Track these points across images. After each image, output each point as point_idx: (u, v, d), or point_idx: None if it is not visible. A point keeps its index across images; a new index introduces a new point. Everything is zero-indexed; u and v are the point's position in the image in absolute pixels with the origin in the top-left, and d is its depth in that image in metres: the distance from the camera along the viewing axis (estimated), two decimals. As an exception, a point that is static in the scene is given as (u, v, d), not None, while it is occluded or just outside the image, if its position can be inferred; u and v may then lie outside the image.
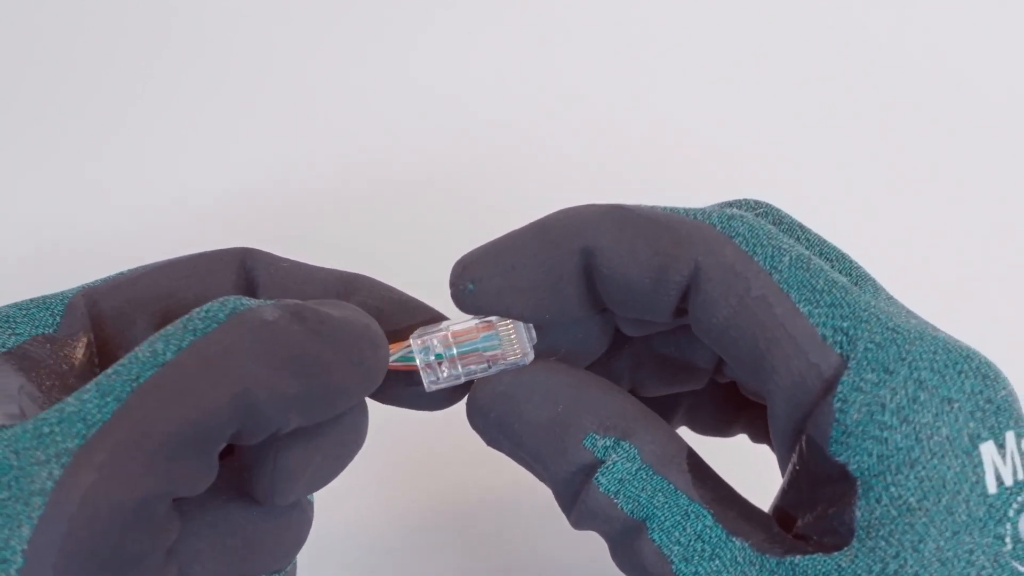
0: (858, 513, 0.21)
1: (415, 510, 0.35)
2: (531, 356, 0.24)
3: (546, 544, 0.34)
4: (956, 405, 0.21)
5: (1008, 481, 0.21)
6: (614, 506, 0.23)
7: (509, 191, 0.48)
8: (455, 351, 0.24)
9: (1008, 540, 0.21)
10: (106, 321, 0.25)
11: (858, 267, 0.25)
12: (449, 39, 0.56)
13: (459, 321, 0.24)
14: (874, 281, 0.25)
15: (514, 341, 0.24)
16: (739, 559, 0.22)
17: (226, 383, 0.20)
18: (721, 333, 0.23)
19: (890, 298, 0.24)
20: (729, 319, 0.23)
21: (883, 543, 0.21)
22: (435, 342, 0.24)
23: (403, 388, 0.25)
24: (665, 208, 0.24)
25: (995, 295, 0.44)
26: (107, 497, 0.19)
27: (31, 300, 0.24)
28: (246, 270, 0.26)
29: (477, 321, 0.24)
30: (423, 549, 0.34)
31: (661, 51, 0.55)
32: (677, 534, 0.22)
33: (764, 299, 0.22)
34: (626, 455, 0.23)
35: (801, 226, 0.26)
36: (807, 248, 0.25)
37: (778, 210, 0.26)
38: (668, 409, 0.28)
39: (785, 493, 0.23)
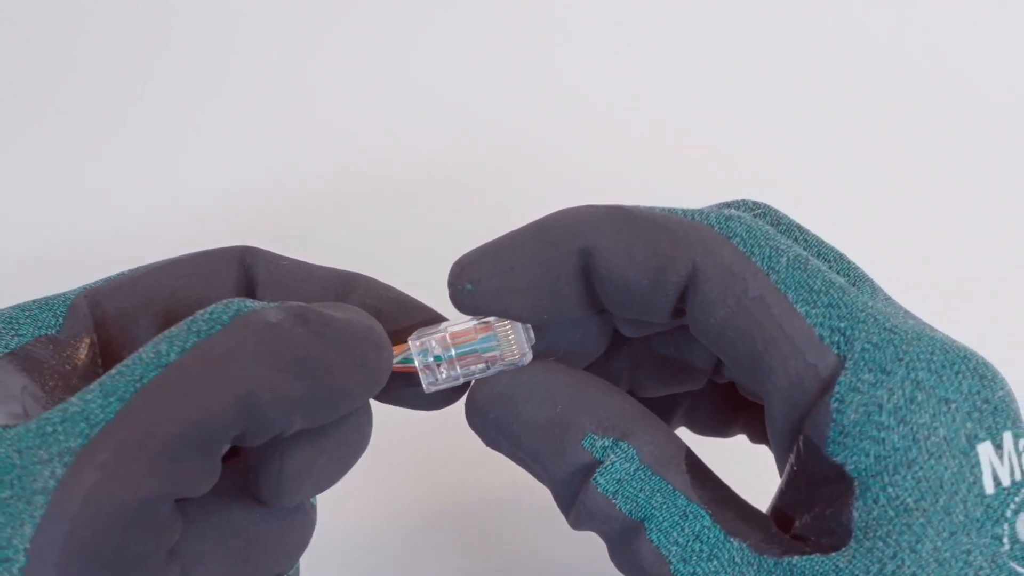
0: (855, 514, 0.21)
1: (415, 510, 0.35)
2: (529, 357, 0.24)
3: (546, 544, 0.34)
4: (953, 405, 0.21)
5: (1005, 482, 0.21)
6: (612, 506, 0.23)
7: (508, 191, 0.48)
8: (453, 352, 0.24)
9: (1006, 540, 0.21)
10: (109, 321, 0.25)
11: (856, 268, 0.25)
12: (449, 39, 0.56)
13: (457, 322, 0.24)
14: (872, 282, 0.25)
15: (512, 342, 0.24)
16: (737, 559, 0.22)
17: (230, 385, 0.20)
18: (719, 333, 0.23)
19: (888, 299, 0.24)
20: (727, 319, 0.23)
21: (880, 544, 0.21)
22: (433, 344, 0.24)
23: (401, 389, 0.25)
24: (663, 209, 0.24)
25: (993, 296, 0.44)
26: (110, 496, 0.19)
27: (33, 301, 0.24)
28: (245, 267, 0.26)
29: (475, 322, 0.24)
30: (423, 549, 0.34)
31: (660, 51, 0.55)
32: (675, 534, 0.22)
33: (761, 299, 0.22)
34: (624, 455, 0.23)
35: (799, 227, 0.26)
36: (805, 249, 0.25)
37: (776, 211, 0.26)
38: (667, 410, 0.28)
39: (783, 493, 0.23)
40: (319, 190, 0.49)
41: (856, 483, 0.21)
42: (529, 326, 0.24)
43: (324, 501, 0.25)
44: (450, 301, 0.24)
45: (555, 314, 0.24)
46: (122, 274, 0.26)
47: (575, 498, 0.23)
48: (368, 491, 0.35)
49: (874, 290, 0.25)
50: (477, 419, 0.24)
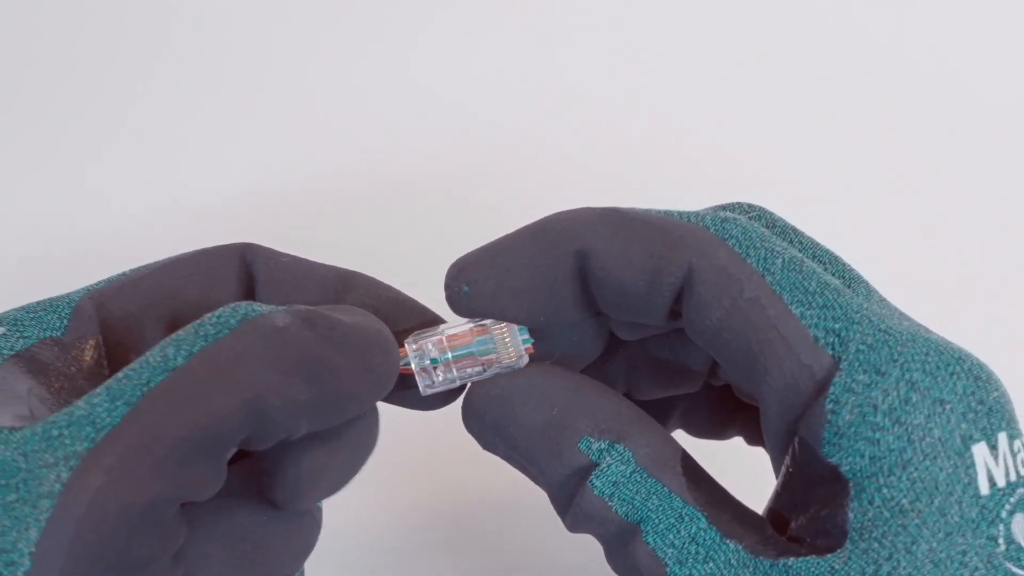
0: (851, 515, 0.21)
1: (415, 510, 0.35)
2: (526, 359, 0.24)
3: (546, 544, 0.34)
4: (948, 406, 0.21)
5: (1000, 482, 0.21)
6: (608, 509, 0.23)
7: (508, 191, 0.48)
8: (450, 355, 0.24)
9: (1001, 541, 0.21)
10: (114, 323, 0.25)
11: (851, 269, 0.25)
12: (449, 39, 0.56)
13: (454, 324, 0.24)
14: (867, 283, 0.25)
15: (508, 344, 0.24)
16: (733, 561, 0.22)
17: (237, 389, 0.20)
18: (714, 335, 0.23)
19: (883, 300, 0.25)
20: (722, 321, 0.23)
21: (876, 545, 0.21)
22: (430, 346, 0.24)
23: (398, 390, 0.25)
24: (660, 211, 0.24)
25: (991, 297, 0.44)
26: (115, 500, 0.19)
27: (38, 303, 0.24)
28: (246, 264, 0.26)
29: (472, 324, 0.24)
30: (423, 549, 0.34)
31: (660, 52, 0.55)
32: (671, 537, 0.22)
33: (757, 301, 0.22)
34: (620, 458, 0.23)
35: (794, 229, 0.26)
36: (800, 251, 0.25)
37: (771, 213, 0.26)
38: (663, 412, 0.28)
39: (779, 495, 0.23)
40: (319, 190, 0.49)
41: (851, 484, 0.21)
42: (525, 328, 0.24)
43: (324, 501, 0.25)
44: (446, 303, 0.24)
45: (552, 316, 0.24)
46: (123, 274, 0.26)
47: (571, 501, 0.23)
48: (368, 491, 0.35)
49: (869, 292, 0.25)
50: (474, 422, 0.24)
